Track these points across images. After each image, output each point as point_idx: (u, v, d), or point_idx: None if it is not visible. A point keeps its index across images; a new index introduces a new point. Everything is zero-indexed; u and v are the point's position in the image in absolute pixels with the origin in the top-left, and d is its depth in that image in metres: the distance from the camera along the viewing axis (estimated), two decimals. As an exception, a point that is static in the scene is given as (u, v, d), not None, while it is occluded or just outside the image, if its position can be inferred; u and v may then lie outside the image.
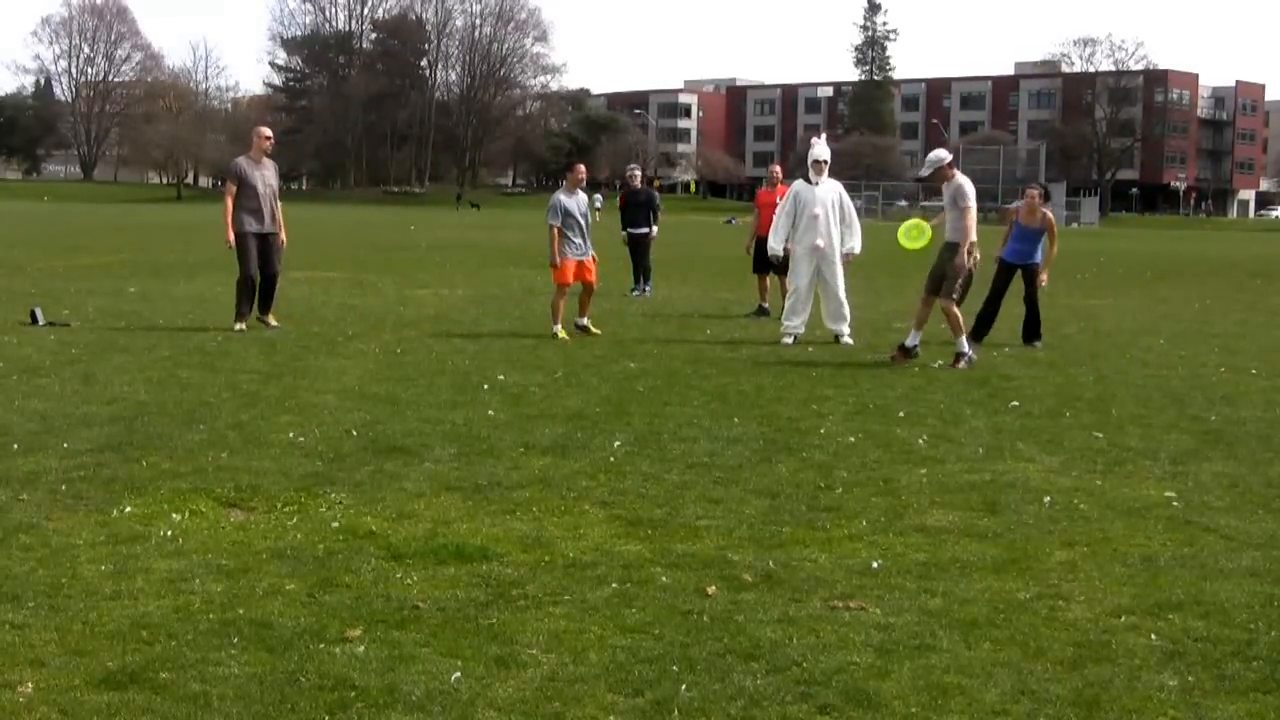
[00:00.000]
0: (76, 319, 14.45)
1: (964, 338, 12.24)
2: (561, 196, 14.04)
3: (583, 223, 14.09)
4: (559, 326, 13.86)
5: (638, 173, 22.27)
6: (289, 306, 15.61)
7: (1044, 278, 14.55)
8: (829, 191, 13.82)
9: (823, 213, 13.63)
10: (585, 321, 14.17)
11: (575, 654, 4.42)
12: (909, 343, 12.40)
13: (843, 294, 13.82)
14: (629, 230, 20.56)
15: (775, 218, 14.20)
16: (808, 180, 13.89)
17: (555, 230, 13.86)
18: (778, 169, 18.76)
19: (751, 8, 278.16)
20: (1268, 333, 16.28)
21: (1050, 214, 14.65)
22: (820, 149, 14.06)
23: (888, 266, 26.90)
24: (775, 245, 14.04)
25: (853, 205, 14.26)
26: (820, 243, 13.62)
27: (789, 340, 13.59)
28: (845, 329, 13.83)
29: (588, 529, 6.04)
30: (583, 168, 14.64)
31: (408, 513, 6.26)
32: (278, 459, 7.36)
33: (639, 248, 20.45)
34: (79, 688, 4.05)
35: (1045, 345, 14.08)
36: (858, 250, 14.02)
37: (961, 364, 11.94)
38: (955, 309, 12.18)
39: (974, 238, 12.16)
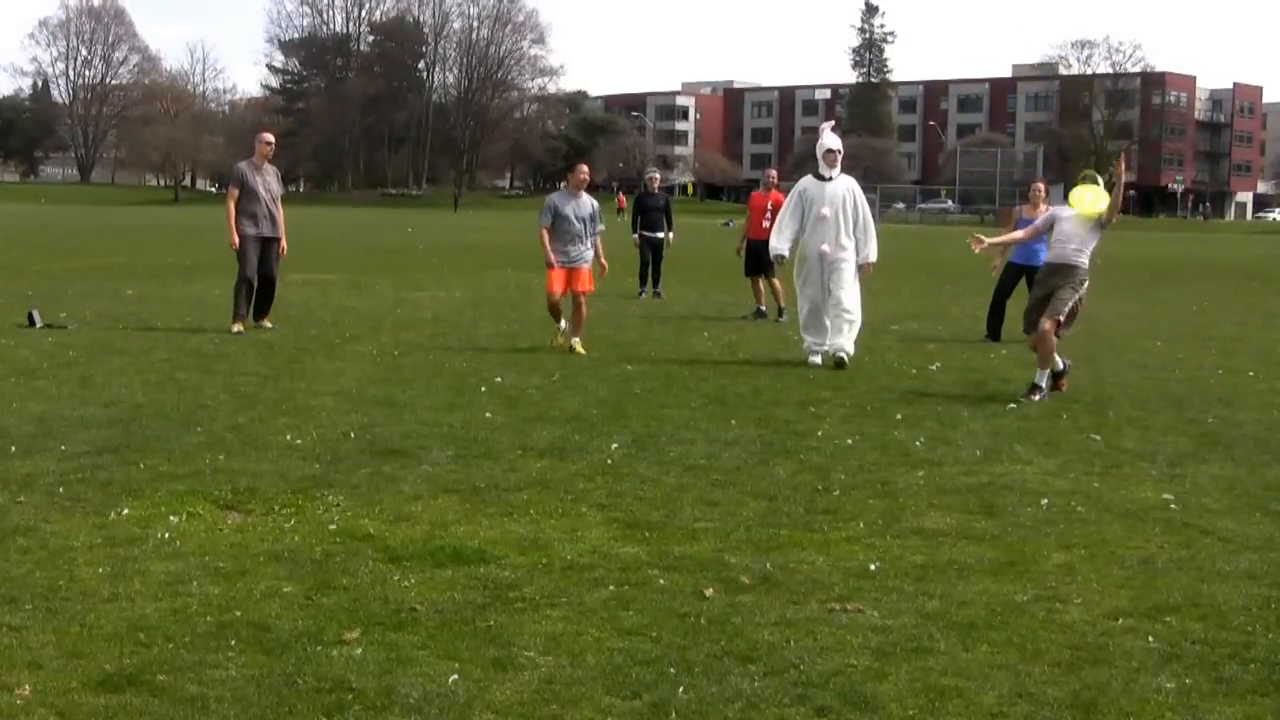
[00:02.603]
0: (74, 321, 14.43)
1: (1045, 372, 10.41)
2: (556, 198, 12.95)
3: (579, 229, 12.80)
4: (561, 323, 13.02)
5: (656, 176, 21.82)
6: (286, 308, 15.60)
7: None
8: (840, 188, 12.20)
9: (831, 213, 12.04)
10: (575, 342, 12.77)
11: (573, 656, 4.42)
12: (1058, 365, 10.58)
13: (849, 304, 12.10)
14: (644, 233, 20.29)
15: (779, 215, 12.65)
16: (817, 175, 12.30)
17: (544, 231, 12.78)
18: (773, 173, 18.68)
19: (749, 10, 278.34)
20: (1265, 335, 16.30)
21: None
22: (830, 138, 12.52)
23: (886, 267, 26.90)
24: (778, 245, 12.47)
25: (868, 206, 12.62)
26: (826, 248, 12.06)
27: (816, 359, 12.08)
28: (849, 346, 12.08)
29: (585, 531, 6.04)
30: (585, 168, 13.33)
31: (405, 515, 6.26)
32: (275, 461, 7.36)
33: (655, 252, 20.26)
34: (76, 690, 4.05)
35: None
36: (873, 259, 12.31)
37: (1037, 396, 10.18)
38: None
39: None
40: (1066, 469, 7.64)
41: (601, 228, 13.22)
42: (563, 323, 13.08)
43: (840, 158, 12.40)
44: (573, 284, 12.84)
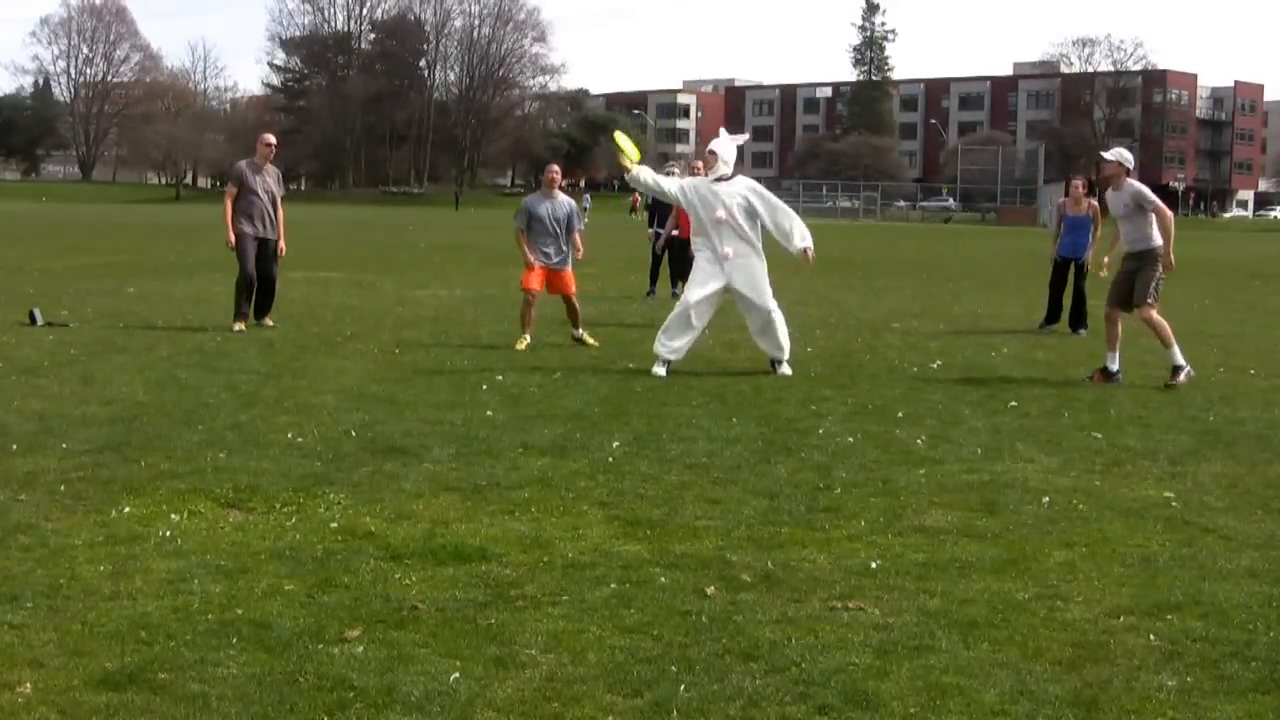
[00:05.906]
0: (75, 319, 14.44)
1: (1175, 348, 11.07)
2: (531, 200, 12.97)
3: (556, 229, 12.77)
4: (527, 336, 12.77)
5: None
6: (288, 307, 15.60)
7: (1100, 263, 15.40)
8: (736, 190, 11.27)
9: (726, 215, 11.17)
10: (581, 333, 13.11)
11: (574, 654, 4.42)
12: (1112, 367, 11.31)
13: (767, 303, 11.34)
14: (658, 230, 19.33)
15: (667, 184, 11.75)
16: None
17: (519, 233, 12.88)
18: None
19: (750, 8, 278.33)
20: (1266, 333, 16.29)
21: (1094, 203, 15.96)
22: (717, 141, 11.61)
23: (886, 266, 26.93)
24: (643, 171, 11.61)
25: (773, 197, 11.62)
26: (729, 250, 11.20)
27: (661, 371, 11.02)
28: (784, 352, 11.42)
29: (586, 529, 6.04)
30: (556, 168, 13.26)
31: (406, 513, 6.26)
32: (276, 459, 7.36)
33: (679, 250, 19.45)
34: (77, 688, 4.05)
35: (1046, 344, 14.33)
36: (809, 244, 11.31)
37: (1180, 378, 10.94)
38: (1157, 315, 11.18)
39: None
40: (1068, 467, 7.64)
41: (580, 227, 13.31)
42: (528, 336, 12.82)
43: (719, 160, 11.34)
44: (557, 287, 12.94)
